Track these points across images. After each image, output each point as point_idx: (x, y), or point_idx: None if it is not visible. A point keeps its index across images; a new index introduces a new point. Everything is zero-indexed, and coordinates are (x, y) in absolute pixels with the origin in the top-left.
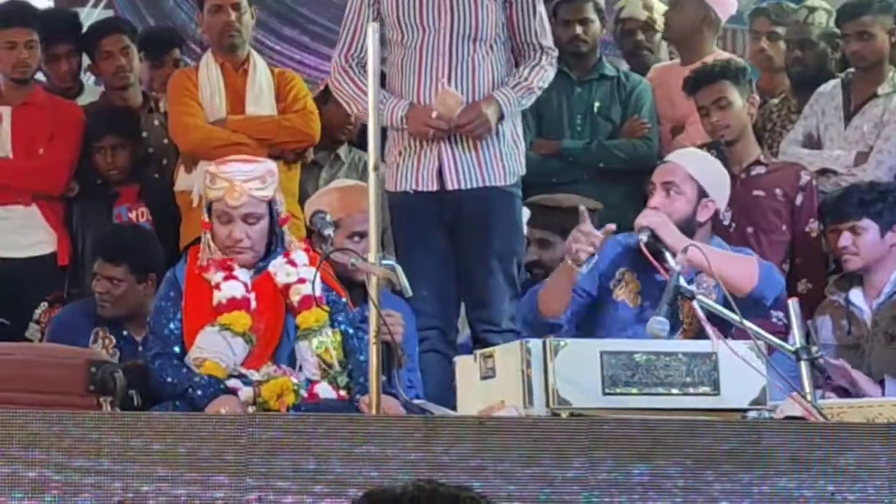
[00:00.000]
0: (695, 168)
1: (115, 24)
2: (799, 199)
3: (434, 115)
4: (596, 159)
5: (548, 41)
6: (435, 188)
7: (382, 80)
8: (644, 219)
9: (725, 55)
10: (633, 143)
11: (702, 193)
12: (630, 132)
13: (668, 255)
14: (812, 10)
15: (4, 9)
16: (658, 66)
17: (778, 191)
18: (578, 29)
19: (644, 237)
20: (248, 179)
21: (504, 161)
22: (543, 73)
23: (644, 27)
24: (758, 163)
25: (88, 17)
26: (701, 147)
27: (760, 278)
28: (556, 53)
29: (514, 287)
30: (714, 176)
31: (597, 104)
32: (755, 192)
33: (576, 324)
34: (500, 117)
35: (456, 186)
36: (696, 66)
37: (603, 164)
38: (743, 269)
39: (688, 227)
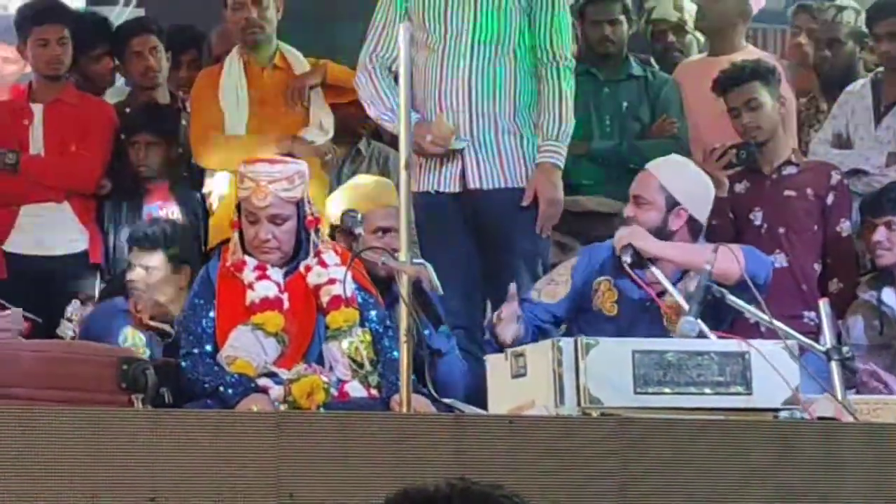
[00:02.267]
0: (667, 178)
1: (143, 24)
2: (830, 199)
3: (429, 138)
4: (626, 160)
5: (563, 50)
6: (457, 189)
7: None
8: (621, 239)
9: (757, 52)
10: (663, 142)
11: (672, 202)
12: (659, 132)
13: (654, 270)
14: (841, 9)
15: (36, 6)
16: (684, 62)
17: (809, 190)
18: (607, 29)
19: (627, 257)
20: (275, 180)
21: (527, 163)
22: (565, 99)
23: (675, 28)
24: (789, 163)
25: (119, 16)
26: (731, 147)
27: (747, 260)
28: (571, 64)
29: None
30: (689, 183)
31: (625, 104)
32: (786, 192)
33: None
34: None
35: (478, 186)
36: (725, 67)
37: (634, 165)
38: (727, 256)
39: (660, 236)
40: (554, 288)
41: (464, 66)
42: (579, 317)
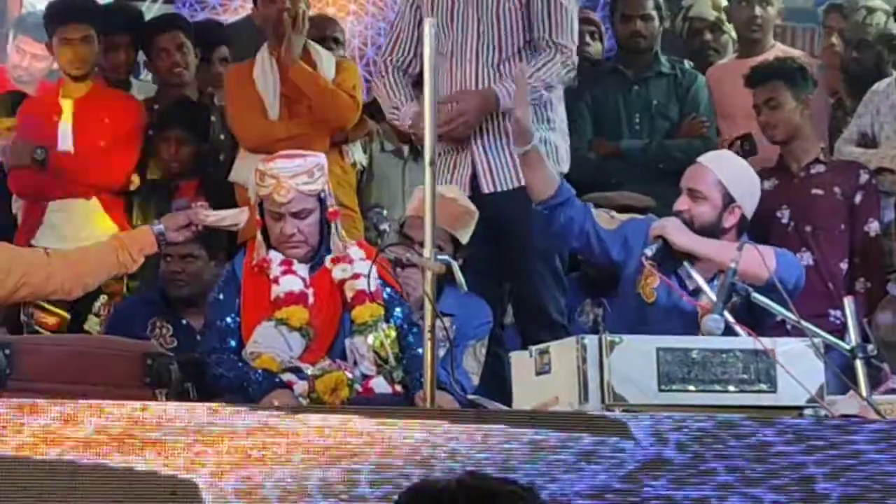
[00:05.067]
0: (724, 173)
1: (170, 20)
2: (858, 198)
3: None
4: (655, 160)
5: (564, 39)
6: (468, 193)
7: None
8: (655, 229)
9: (785, 51)
10: (692, 142)
11: (728, 199)
12: (689, 131)
13: (685, 264)
14: (871, 10)
15: (61, 5)
16: (715, 66)
17: (837, 189)
18: (638, 24)
19: (650, 251)
20: (296, 175)
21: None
22: (553, 69)
23: (712, 27)
24: (817, 161)
25: (147, 11)
26: (736, 139)
27: (778, 264)
28: (572, 54)
29: (560, 281)
30: (744, 181)
31: (654, 102)
32: (814, 191)
33: (578, 253)
34: (501, 109)
35: (491, 189)
36: (757, 63)
37: (662, 166)
38: (754, 256)
39: (712, 232)
40: (607, 217)
41: (470, 70)
42: (620, 297)
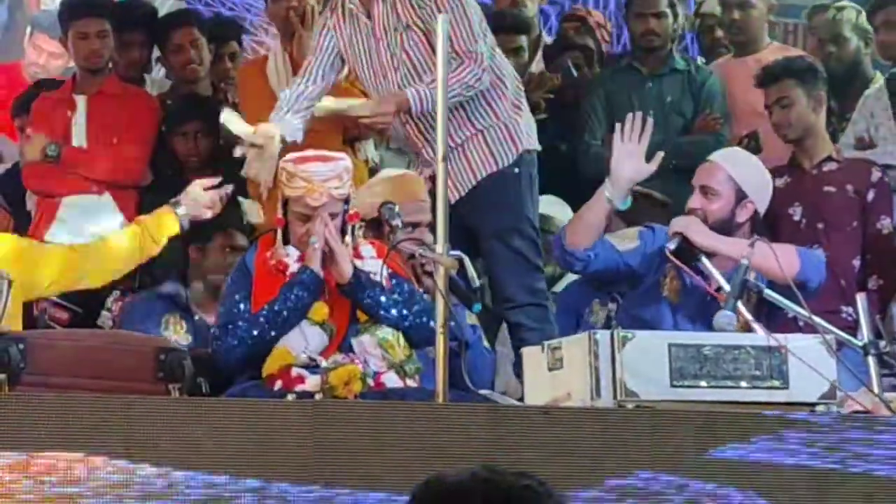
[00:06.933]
0: (736, 169)
1: (184, 16)
2: (870, 196)
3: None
4: (668, 157)
5: (469, 45)
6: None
7: None
8: (675, 226)
9: (781, 49)
10: (705, 139)
11: (741, 195)
12: (702, 128)
13: (704, 260)
14: (840, 8)
15: (77, 0)
16: (712, 65)
17: (849, 187)
18: (652, 22)
19: (672, 245)
20: (328, 178)
21: (491, 146)
22: (462, 75)
23: (722, 23)
24: (829, 159)
25: (161, 6)
26: (743, 138)
27: (802, 264)
28: (481, 59)
29: (527, 259)
30: (756, 176)
31: (668, 99)
32: (826, 188)
33: (601, 282)
34: (410, 111)
35: (457, 196)
36: (768, 63)
37: (675, 162)
38: (783, 257)
39: (726, 228)
40: (620, 239)
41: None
42: (645, 301)
